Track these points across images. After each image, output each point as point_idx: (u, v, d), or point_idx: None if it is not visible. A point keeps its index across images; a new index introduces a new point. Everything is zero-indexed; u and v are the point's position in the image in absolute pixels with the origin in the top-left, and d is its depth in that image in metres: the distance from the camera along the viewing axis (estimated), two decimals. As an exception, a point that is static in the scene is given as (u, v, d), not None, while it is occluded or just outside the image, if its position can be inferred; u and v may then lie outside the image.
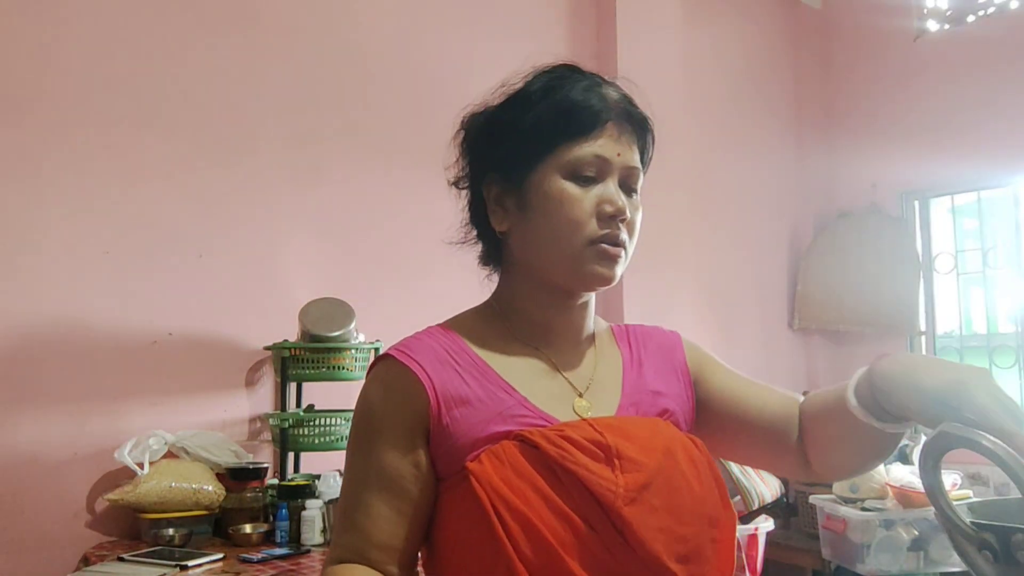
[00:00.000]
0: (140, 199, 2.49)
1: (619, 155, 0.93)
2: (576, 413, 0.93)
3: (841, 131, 4.69)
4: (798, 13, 4.77)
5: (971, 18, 4.34)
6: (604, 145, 0.92)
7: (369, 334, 2.67)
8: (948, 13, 4.42)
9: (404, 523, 0.89)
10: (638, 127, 0.97)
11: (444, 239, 1.06)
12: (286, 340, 2.57)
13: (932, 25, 4.46)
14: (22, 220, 2.29)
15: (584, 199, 0.91)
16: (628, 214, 0.93)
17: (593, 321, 1.03)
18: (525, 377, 0.94)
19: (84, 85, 2.42)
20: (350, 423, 0.96)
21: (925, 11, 4.49)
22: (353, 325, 2.55)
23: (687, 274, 3.71)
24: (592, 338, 1.02)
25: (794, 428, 0.99)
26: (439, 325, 0.99)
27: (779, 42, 4.68)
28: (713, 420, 1.02)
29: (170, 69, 2.58)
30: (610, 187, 0.93)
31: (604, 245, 0.92)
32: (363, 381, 0.97)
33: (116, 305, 2.42)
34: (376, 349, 2.64)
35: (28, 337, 2.28)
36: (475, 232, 1.03)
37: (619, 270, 0.94)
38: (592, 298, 1.01)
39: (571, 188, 0.92)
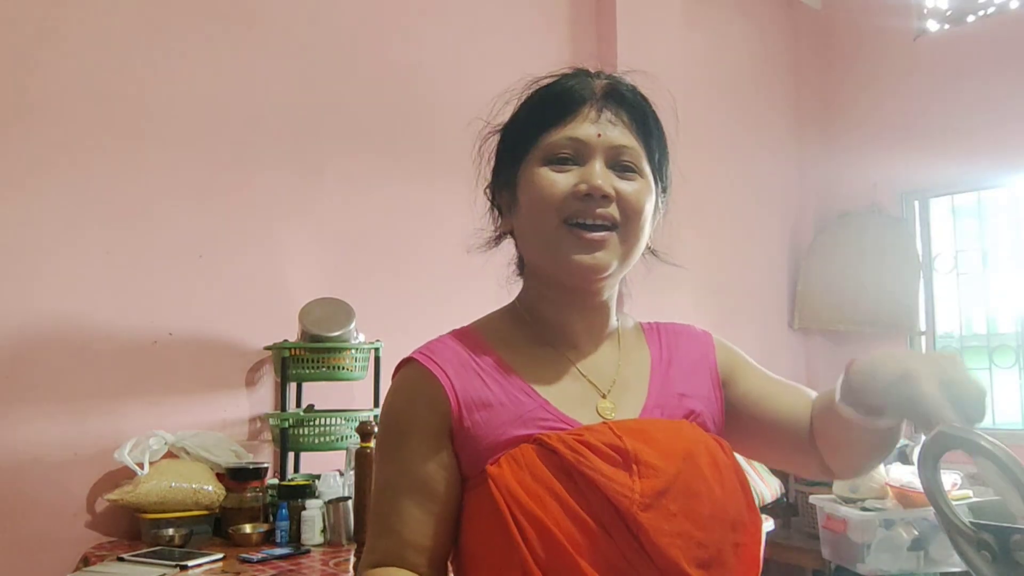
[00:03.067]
0: (140, 199, 2.49)
1: (599, 135, 0.91)
2: (599, 415, 0.92)
3: (841, 131, 4.69)
4: (798, 13, 4.77)
5: (971, 18, 4.34)
6: (578, 126, 0.91)
7: (369, 334, 2.67)
8: (948, 13, 4.42)
9: (436, 524, 0.89)
10: (630, 106, 0.94)
11: (469, 233, 1.07)
12: (286, 340, 2.57)
13: (932, 25, 4.46)
14: (22, 220, 2.29)
15: (559, 180, 0.90)
16: (608, 190, 0.90)
17: (616, 319, 1.01)
18: (547, 379, 0.93)
19: (84, 86, 2.42)
20: (376, 427, 0.97)
21: (925, 11, 4.49)
22: (353, 325, 2.55)
23: (687, 274, 3.70)
24: (616, 337, 1.01)
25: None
26: (464, 327, 0.99)
27: (779, 42, 4.68)
28: (743, 422, 1.01)
29: (169, 69, 2.58)
30: (592, 167, 0.90)
31: (580, 230, 0.89)
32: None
33: (116, 305, 2.42)
34: (376, 349, 2.64)
35: (28, 337, 2.28)
36: (495, 237, 1.04)
37: (605, 256, 0.90)
38: (611, 297, 0.99)
39: (546, 171, 0.91)
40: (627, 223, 0.91)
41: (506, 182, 0.97)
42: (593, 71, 0.97)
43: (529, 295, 0.99)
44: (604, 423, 0.90)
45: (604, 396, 0.94)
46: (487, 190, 1.01)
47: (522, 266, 1.02)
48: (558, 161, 0.91)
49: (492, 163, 1.00)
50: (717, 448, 0.92)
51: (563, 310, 0.96)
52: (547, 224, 0.90)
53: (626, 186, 0.91)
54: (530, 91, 0.97)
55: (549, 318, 0.97)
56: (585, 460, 0.84)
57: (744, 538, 0.89)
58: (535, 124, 0.93)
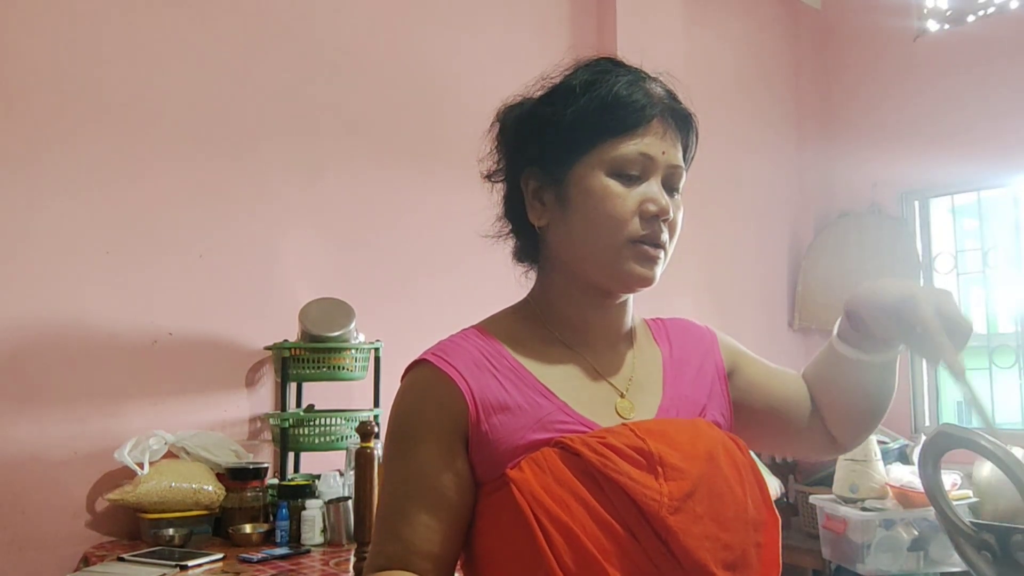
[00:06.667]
0: (140, 199, 2.49)
1: (664, 153, 0.91)
2: (618, 414, 0.91)
3: (841, 131, 4.69)
4: (798, 13, 4.77)
5: (971, 18, 4.33)
6: (649, 143, 0.90)
7: (369, 334, 2.67)
8: (948, 13, 4.42)
9: (446, 531, 0.87)
10: (682, 124, 0.95)
11: (469, 233, 1.03)
12: (286, 340, 2.57)
13: (932, 25, 4.46)
14: (22, 220, 2.29)
15: (627, 197, 0.89)
16: (671, 214, 0.91)
17: (631, 318, 1.01)
18: (564, 381, 0.92)
19: (84, 84, 2.42)
20: (384, 428, 0.93)
21: (925, 11, 4.48)
22: (353, 325, 2.55)
23: (687, 274, 3.71)
24: (630, 336, 1.00)
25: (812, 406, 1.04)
26: (475, 327, 0.96)
27: (779, 42, 4.67)
28: (750, 414, 1.03)
29: (170, 68, 2.58)
30: (653, 186, 0.90)
31: (644, 245, 0.89)
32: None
33: (116, 305, 2.42)
34: (376, 349, 2.64)
35: (28, 337, 2.28)
36: (510, 227, 1.00)
37: (659, 270, 0.92)
38: (631, 297, 0.98)
39: (614, 186, 0.89)
40: (670, 241, 0.93)
41: (552, 177, 0.93)
42: (648, 73, 0.95)
43: (549, 292, 0.97)
44: (624, 425, 0.88)
45: (622, 395, 0.94)
46: (517, 177, 0.96)
47: (533, 259, 0.99)
48: (626, 177, 0.90)
49: (527, 147, 0.95)
50: (734, 447, 0.91)
51: (587, 309, 0.95)
52: (611, 238, 0.89)
53: (674, 208, 0.93)
54: (583, 82, 0.91)
55: (570, 316, 0.96)
56: (611, 463, 0.83)
57: (765, 538, 0.89)
58: (602, 128, 0.90)
